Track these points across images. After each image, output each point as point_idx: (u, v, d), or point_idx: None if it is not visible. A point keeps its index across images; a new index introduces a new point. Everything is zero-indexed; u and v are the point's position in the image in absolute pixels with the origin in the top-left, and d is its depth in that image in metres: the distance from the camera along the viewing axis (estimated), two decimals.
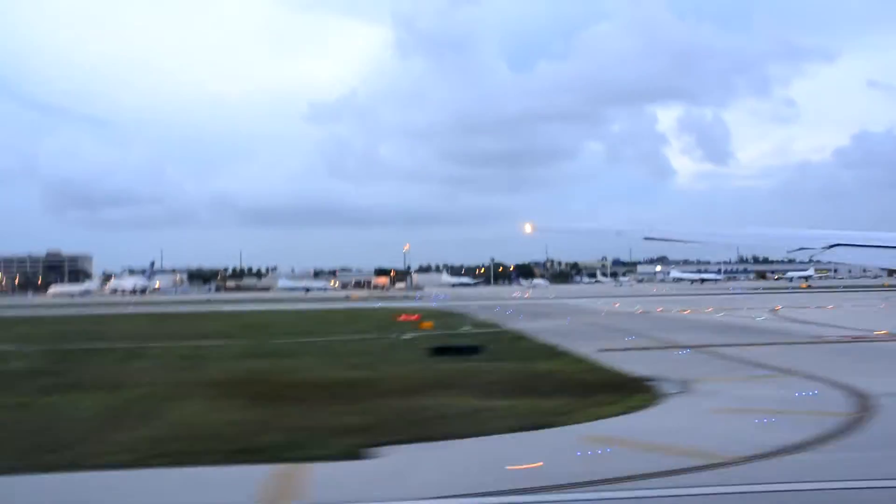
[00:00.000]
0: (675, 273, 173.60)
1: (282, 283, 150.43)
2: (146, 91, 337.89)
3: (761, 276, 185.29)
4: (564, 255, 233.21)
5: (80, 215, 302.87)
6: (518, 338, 28.81)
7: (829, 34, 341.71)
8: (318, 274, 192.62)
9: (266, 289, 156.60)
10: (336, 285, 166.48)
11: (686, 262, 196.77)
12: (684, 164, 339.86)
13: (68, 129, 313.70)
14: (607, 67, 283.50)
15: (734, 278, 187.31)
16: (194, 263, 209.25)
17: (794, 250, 10.71)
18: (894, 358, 22.97)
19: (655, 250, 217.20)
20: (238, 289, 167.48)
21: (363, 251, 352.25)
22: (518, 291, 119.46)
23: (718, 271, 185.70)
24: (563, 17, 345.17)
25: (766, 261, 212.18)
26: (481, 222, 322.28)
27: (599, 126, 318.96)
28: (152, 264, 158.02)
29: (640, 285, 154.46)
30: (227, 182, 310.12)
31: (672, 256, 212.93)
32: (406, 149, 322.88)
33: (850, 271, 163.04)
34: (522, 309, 53.76)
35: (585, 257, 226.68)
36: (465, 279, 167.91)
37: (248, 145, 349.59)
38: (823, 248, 9.42)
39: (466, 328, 33.95)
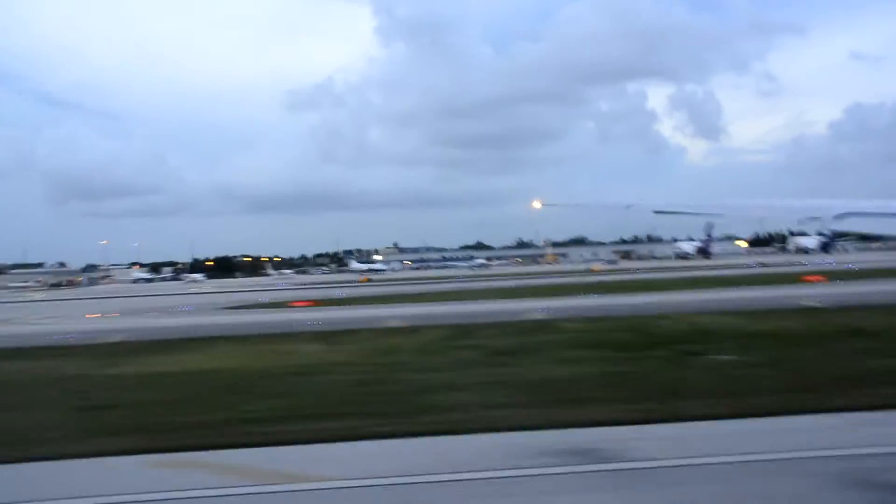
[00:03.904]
0: (354, 265, 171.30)
1: None
2: (141, 81, 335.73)
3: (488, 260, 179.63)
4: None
5: (81, 206, 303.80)
6: None
7: (801, 8, 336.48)
8: (90, 268, 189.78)
9: None
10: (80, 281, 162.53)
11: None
12: (677, 141, 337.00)
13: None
14: (589, 47, 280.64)
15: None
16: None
17: (806, 220, 10.62)
18: None
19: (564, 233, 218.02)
20: None
21: (350, 235, 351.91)
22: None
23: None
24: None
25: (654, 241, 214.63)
26: (475, 204, 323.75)
27: (587, 105, 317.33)
28: None
29: (291, 278, 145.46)
30: (222, 171, 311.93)
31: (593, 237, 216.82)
32: (393, 133, 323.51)
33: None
34: None
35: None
36: (144, 275, 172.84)
37: (233, 134, 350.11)
38: (834, 217, 9.33)
39: None
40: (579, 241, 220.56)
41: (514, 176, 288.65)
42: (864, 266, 68.56)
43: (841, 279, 48.62)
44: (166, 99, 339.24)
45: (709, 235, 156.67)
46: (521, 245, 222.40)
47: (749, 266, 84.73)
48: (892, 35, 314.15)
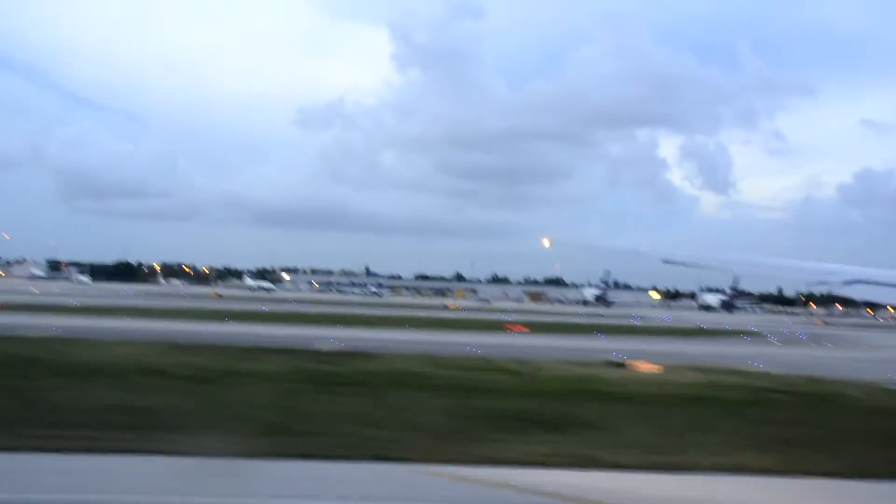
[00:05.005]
0: (247, 281, 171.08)
1: None
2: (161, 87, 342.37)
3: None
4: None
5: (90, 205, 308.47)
6: None
7: (811, 71, 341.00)
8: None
9: None
10: None
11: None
12: (686, 191, 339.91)
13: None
14: (601, 91, 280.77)
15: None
16: None
17: (814, 283, 10.65)
18: None
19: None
20: None
21: (331, 255, 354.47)
22: None
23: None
24: (556, 39, 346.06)
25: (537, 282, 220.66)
26: (475, 236, 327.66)
27: (596, 148, 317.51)
28: None
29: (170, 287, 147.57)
30: (233, 183, 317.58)
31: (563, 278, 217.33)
32: (400, 158, 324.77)
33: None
34: None
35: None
36: (40, 273, 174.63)
37: (241, 148, 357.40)
38: (842, 283, 9.34)
39: None
40: (556, 282, 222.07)
41: (519, 212, 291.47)
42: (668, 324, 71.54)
43: (545, 331, 48.84)
44: (184, 106, 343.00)
45: (606, 284, 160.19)
46: (496, 280, 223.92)
47: (597, 315, 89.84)
48: None
